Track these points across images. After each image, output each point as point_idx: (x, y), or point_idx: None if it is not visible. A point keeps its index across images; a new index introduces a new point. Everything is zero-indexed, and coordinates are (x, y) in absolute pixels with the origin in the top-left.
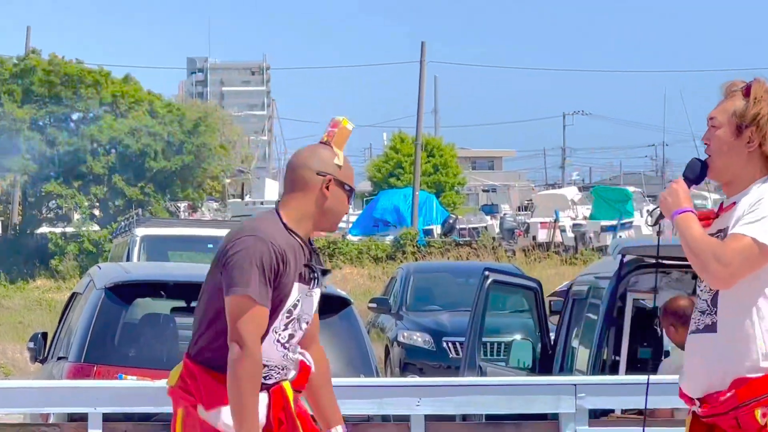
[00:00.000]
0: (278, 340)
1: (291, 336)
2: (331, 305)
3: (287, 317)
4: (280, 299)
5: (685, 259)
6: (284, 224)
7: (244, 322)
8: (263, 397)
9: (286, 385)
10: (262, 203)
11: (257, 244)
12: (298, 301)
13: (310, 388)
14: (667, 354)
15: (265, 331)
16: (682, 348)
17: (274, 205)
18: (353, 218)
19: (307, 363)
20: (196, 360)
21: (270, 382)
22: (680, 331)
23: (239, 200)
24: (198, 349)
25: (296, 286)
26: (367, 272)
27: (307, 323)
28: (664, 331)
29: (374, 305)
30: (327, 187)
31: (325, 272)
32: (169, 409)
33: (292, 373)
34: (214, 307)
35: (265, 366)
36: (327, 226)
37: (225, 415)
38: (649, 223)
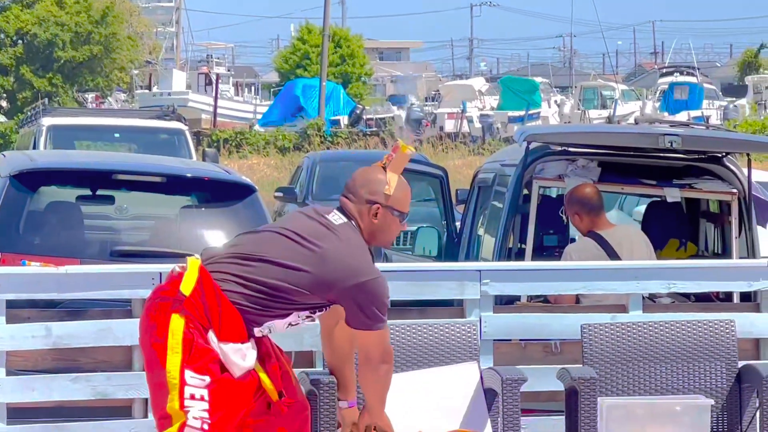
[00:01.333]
0: (290, 323)
1: (297, 324)
2: (236, 193)
3: (312, 316)
4: (327, 307)
5: (591, 147)
6: (369, 248)
7: (387, 346)
8: (252, 345)
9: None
10: (169, 94)
11: (384, 285)
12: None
13: (336, 362)
14: (573, 242)
15: (288, 312)
16: (586, 235)
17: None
18: (261, 109)
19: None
20: (227, 293)
21: (258, 336)
22: (585, 218)
23: (147, 91)
24: (235, 287)
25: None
26: (274, 162)
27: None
28: (569, 218)
29: (280, 194)
30: (376, 215)
31: None
32: (72, 296)
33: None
34: (282, 280)
35: (268, 329)
36: (378, 245)
37: (232, 350)
38: None
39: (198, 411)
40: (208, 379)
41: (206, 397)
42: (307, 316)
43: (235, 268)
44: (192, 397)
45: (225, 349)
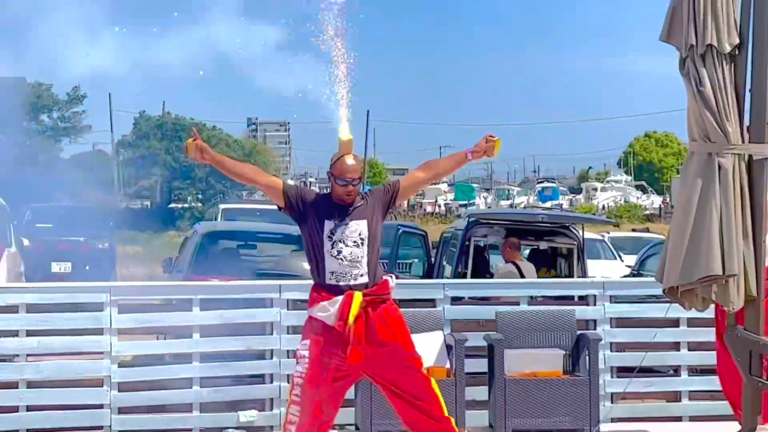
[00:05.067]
0: (332, 255)
1: (339, 251)
2: None
3: (330, 241)
4: (315, 230)
5: (501, 220)
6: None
7: None
8: (340, 299)
9: (357, 295)
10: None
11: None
12: (332, 231)
13: (432, 169)
14: (492, 269)
15: (321, 254)
16: (510, 262)
17: None
18: None
19: (389, 281)
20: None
21: (341, 284)
22: (511, 252)
23: None
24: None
25: (326, 223)
26: None
27: (355, 241)
28: (502, 252)
29: None
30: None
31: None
32: (235, 297)
33: (361, 279)
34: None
35: (332, 273)
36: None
37: (315, 311)
38: None
39: (301, 368)
40: (308, 341)
41: (306, 355)
42: (330, 240)
43: None
44: (299, 357)
45: (312, 313)
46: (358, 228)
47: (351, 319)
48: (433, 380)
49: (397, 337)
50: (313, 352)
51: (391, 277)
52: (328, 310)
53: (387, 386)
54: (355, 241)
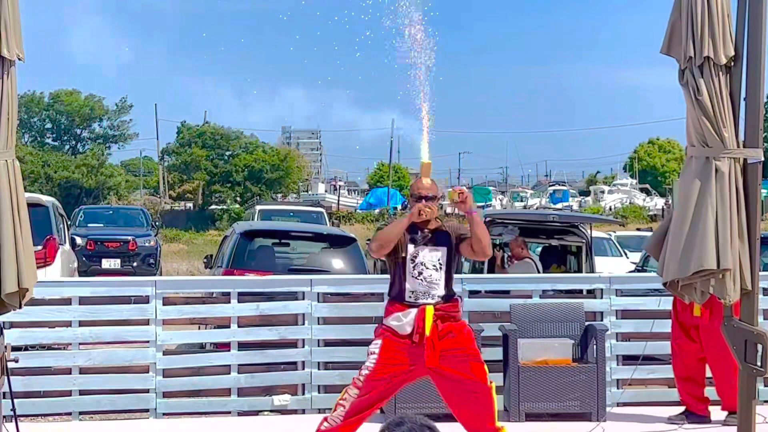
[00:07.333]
0: (413, 276)
1: (420, 273)
2: (346, 241)
3: (412, 263)
4: (399, 251)
5: (516, 219)
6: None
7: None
8: (413, 311)
9: (429, 309)
10: (316, 195)
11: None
12: (415, 254)
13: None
14: (502, 265)
15: (404, 275)
16: (518, 259)
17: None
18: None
19: (458, 301)
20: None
21: (419, 302)
22: (522, 250)
23: (306, 193)
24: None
25: (409, 247)
26: (367, 227)
27: (434, 265)
28: (511, 249)
29: (369, 241)
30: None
31: (425, 239)
32: (271, 290)
33: (436, 299)
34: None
35: (412, 292)
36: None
37: (389, 320)
38: None
39: (370, 362)
40: (379, 341)
41: (376, 352)
42: (413, 263)
43: None
44: (370, 353)
45: (387, 322)
46: (438, 254)
47: (427, 331)
48: (493, 391)
49: (464, 345)
50: (381, 351)
51: (460, 298)
52: (401, 320)
53: (448, 385)
54: (434, 265)
